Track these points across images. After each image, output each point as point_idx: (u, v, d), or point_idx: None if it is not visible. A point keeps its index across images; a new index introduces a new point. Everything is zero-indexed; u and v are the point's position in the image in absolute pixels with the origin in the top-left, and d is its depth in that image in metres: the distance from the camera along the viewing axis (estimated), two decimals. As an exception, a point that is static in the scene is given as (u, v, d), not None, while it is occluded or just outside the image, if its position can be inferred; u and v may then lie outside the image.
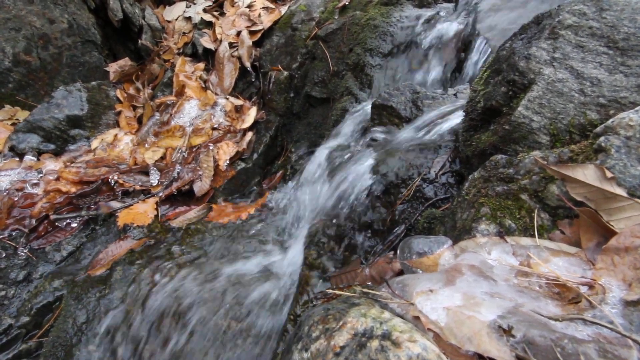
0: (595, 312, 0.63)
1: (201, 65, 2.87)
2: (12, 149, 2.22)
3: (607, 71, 0.99)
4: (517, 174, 0.95)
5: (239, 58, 2.77)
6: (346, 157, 1.81)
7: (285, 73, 2.63)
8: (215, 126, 2.55)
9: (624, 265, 0.68)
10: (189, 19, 3.10)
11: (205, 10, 3.08)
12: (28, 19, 2.47)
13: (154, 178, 2.22)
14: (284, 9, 2.90)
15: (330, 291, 1.15)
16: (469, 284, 0.74)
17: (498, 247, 0.83)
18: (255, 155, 2.49)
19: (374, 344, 0.59)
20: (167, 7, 3.22)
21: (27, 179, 2.09)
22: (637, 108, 0.86)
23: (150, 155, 2.36)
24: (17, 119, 2.44)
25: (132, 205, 2.05)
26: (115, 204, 2.07)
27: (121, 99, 2.70)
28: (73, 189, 2.07)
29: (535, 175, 0.91)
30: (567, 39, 1.06)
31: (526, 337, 0.60)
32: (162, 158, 2.39)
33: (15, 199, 2.00)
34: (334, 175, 1.78)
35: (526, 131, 1.02)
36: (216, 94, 2.71)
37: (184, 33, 3.06)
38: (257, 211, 2.04)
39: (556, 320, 0.62)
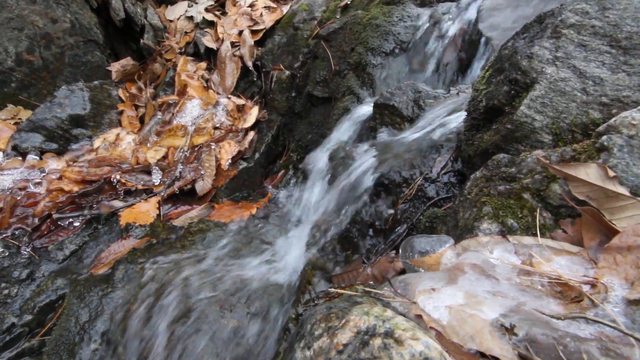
0: (597, 310, 0.63)
1: (203, 64, 2.87)
2: (15, 148, 2.23)
3: (609, 70, 0.99)
4: (519, 173, 0.95)
5: (241, 57, 2.77)
6: (348, 156, 1.82)
7: (287, 72, 2.63)
8: (217, 125, 2.56)
9: (626, 264, 0.68)
10: (190, 18, 3.10)
11: (207, 10, 3.09)
12: (31, 18, 2.48)
13: (156, 177, 2.22)
14: (285, 8, 2.90)
15: (332, 290, 1.15)
16: (471, 283, 0.74)
17: (500, 246, 0.83)
18: (257, 155, 2.49)
19: (377, 341, 0.59)
20: (169, 6, 3.22)
21: (30, 178, 2.10)
22: (639, 107, 0.86)
23: (152, 155, 2.37)
24: (19, 119, 2.45)
25: (134, 204, 2.06)
26: (117, 203, 2.07)
27: (123, 98, 2.70)
28: (75, 188, 2.08)
29: (538, 174, 0.91)
30: (569, 38, 1.06)
31: (528, 335, 0.60)
32: (164, 157, 2.40)
33: (18, 198, 2.01)
34: (336, 175, 1.79)
35: (528, 130, 1.02)
36: (218, 93, 2.72)
37: (186, 32, 3.06)
38: (259, 210, 2.04)
39: (558, 318, 0.62)
